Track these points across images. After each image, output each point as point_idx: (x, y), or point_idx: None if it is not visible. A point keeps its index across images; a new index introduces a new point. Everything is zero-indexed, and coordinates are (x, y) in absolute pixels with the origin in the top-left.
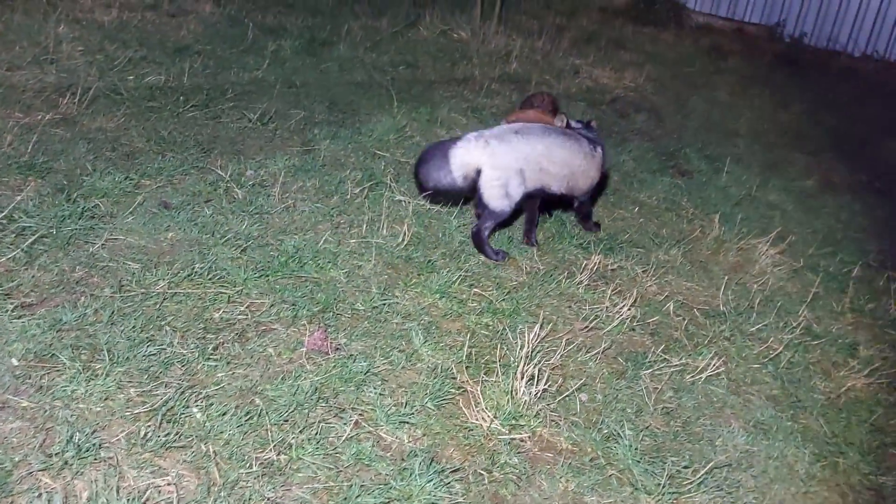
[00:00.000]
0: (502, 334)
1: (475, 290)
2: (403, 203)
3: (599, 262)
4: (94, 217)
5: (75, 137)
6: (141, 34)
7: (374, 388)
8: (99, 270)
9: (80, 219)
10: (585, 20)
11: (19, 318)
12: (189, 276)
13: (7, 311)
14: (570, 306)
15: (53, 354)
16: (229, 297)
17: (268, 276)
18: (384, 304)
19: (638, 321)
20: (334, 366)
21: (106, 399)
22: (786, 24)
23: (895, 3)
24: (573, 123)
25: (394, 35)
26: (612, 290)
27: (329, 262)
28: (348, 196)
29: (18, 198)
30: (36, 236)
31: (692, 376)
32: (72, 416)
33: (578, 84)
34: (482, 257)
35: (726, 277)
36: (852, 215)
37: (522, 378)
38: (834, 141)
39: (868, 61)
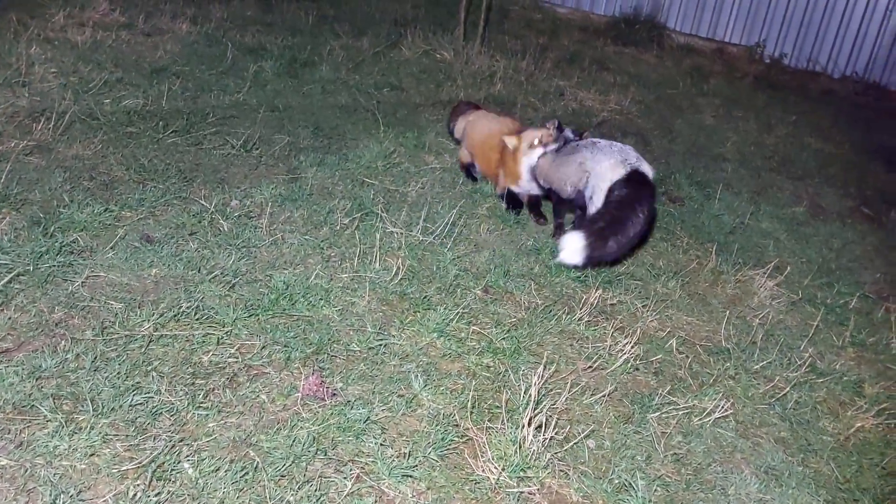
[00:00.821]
0: (504, 376)
1: (474, 327)
2: (395, 234)
3: (599, 297)
4: (72, 252)
5: (51, 166)
6: (116, 55)
7: (375, 438)
8: (79, 311)
9: (58, 254)
10: (567, 40)
11: None
12: (175, 316)
13: None
14: (571, 344)
15: (33, 405)
16: (218, 338)
17: (258, 314)
18: (380, 345)
19: (641, 360)
20: (331, 413)
21: (91, 455)
22: (766, 45)
23: (874, 24)
24: (568, 133)
25: (376, 55)
26: (614, 327)
27: (321, 298)
28: (338, 227)
29: None
30: (12, 274)
31: (700, 419)
32: (55, 474)
33: (564, 106)
34: (478, 292)
35: (726, 311)
36: (844, 243)
37: (529, 425)
38: (820, 165)
39: (848, 83)
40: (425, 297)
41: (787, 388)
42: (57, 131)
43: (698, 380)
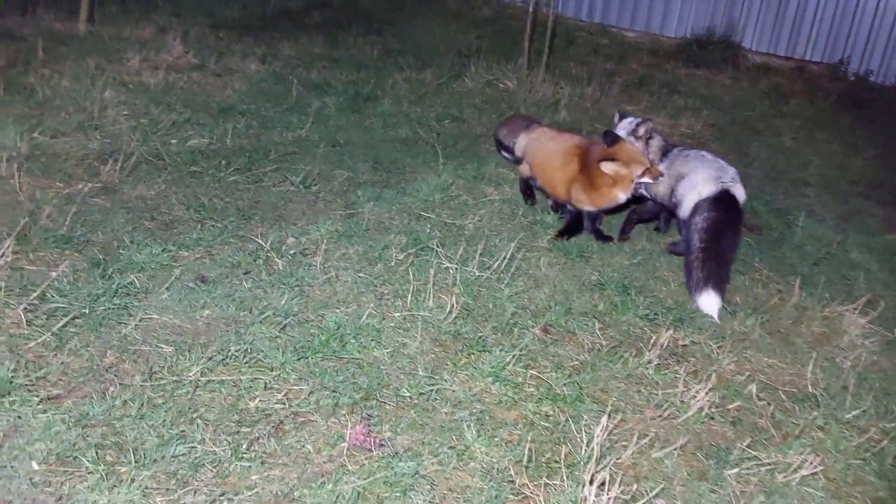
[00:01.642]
0: (564, 427)
1: (532, 371)
2: (451, 270)
3: (669, 337)
4: (128, 294)
5: (115, 207)
6: (186, 96)
7: (423, 495)
8: (130, 355)
9: (114, 296)
10: (635, 64)
11: (44, 412)
12: (224, 359)
13: (32, 404)
14: (639, 390)
15: (76, 456)
16: (266, 383)
17: (307, 357)
18: (432, 390)
19: (717, 407)
20: (378, 466)
21: None
22: (850, 62)
23: None
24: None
25: (439, 87)
26: (686, 371)
27: (372, 339)
28: (392, 263)
29: (54, 274)
30: (68, 318)
31: (784, 476)
32: None
33: None
34: (537, 332)
35: (812, 352)
36: None
37: (592, 483)
38: None
39: None
40: (480, 338)
41: (885, 441)
42: (123, 173)
43: (782, 430)
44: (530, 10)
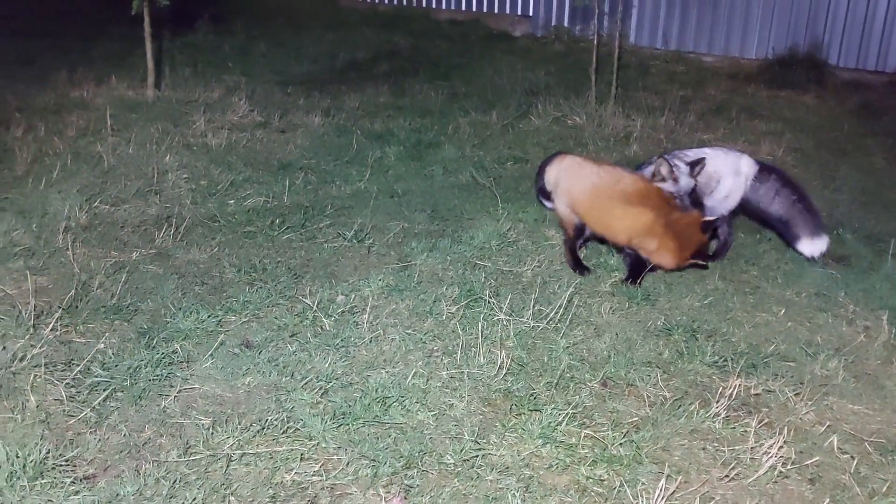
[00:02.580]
0: (619, 492)
1: (586, 430)
2: (503, 322)
3: (740, 385)
4: (171, 363)
5: (166, 273)
6: (248, 154)
7: None
8: (168, 428)
9: (157, 367)
10: (713, 90)
11: (77, 493)
12: (261, 430)
13: (65, 485)
14: (704, 447)
15: None
16: (303, 454)
17: (348, 423)
18: (477, 455)
19: (793, 463)
20: None
21: None
22: None
23: None
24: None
25: (504, 128)
26: (758, 423)
27: (417, 401)
28: (444, 317)
29: (100, 345)
30: (108, 391)
31: None
32: None
33: None
34: (595, 385)
35: None
36: None
37: None
38: None
39: None
40: (532, 395)
41: None
42: (177, 238)
43: (868, 488)
44: (594, 40)
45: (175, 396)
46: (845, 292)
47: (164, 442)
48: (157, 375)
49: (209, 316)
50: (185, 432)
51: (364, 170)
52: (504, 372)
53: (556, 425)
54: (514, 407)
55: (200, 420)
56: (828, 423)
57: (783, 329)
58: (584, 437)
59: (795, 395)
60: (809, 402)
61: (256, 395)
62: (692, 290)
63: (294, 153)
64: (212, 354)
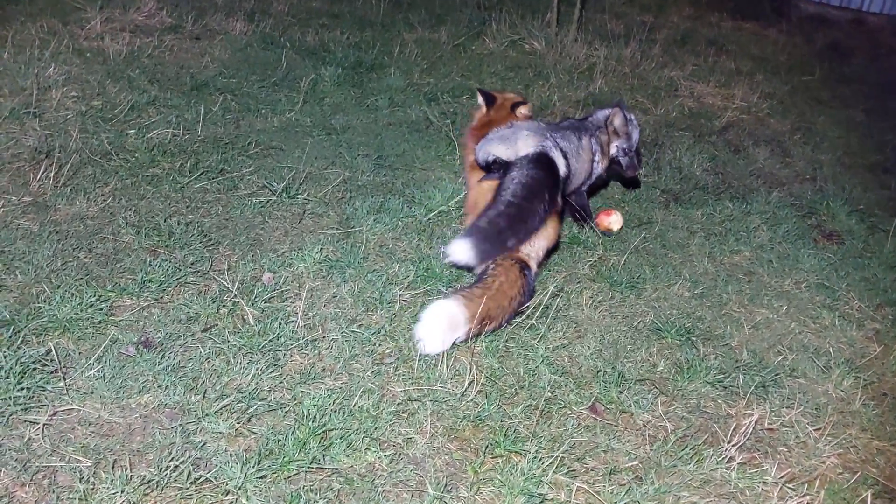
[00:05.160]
0: None
1: (578, 482)
2: None
3: (751, 415)
4: (44, 371)
5: (43, 232)
6: (154, 67)
7: None
8: (31, 475)
9: (22, 377)
10: (676, 16)
11: None
12: (160, 480)
13: None
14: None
15: None
16: None
17: (277, 470)
18: None
19: None
20: None
21: None
22: None
23: None
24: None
25: (455, 50)
26: (779, 469)
27: (365, 433)
28: (396, 306)
29: None
30: None
31: None
32: None
33: (679, 106)
34: (583, 412)
35: None
36: None
37: None
38: None
39: None
40: (510, 426)
41: None
42: (59, 181)
43: None
44: None
45: (46, 422)
46: (846, 283)
47: (26, 496)
48: (22, 390)
49: (97, 299)
50: (56, 481)
51: (295, 96)
52: (474, 392)
53: (542, 474)
54: (487, 443)
55: (78, 462)
56: (854, 468)
57: (787, 332)
58: (577, 491)
59: (815, 429)
60: (831, 439)
61: (156, 423)
62: (680, 274)
63: (211, 69)
64: (98, 358)
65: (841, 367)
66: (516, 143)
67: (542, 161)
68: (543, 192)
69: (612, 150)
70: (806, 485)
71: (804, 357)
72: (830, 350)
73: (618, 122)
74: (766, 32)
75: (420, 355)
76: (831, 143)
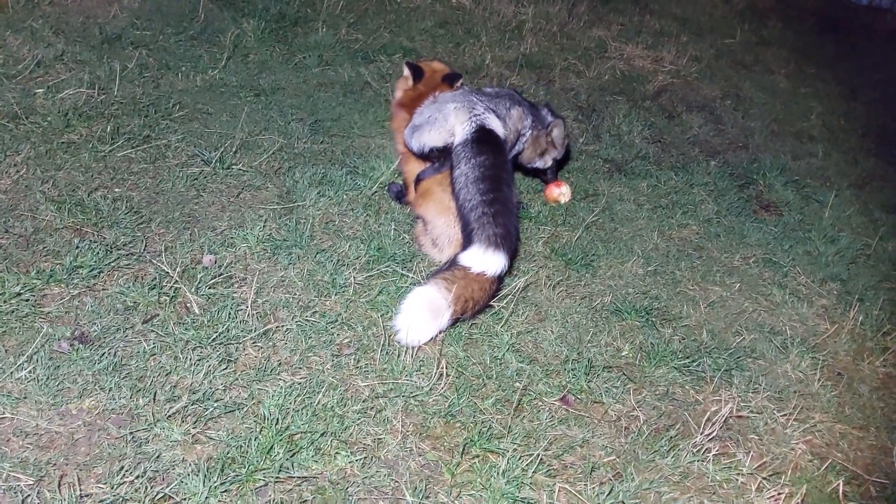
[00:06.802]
0: None
1: (560, 481)
2: None
3: (719, 402)
4: None
5: None
6: (58, 17)
7: None
8: None
9: None
10: None
11: None
12: (114, 500)
13: None
14: (701, 501)
15: None
16: None
17: (241, 483)
18: None
19: None
20: None
21: None
22: None
23: None
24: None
25: (380, 2)
26: (752, 458)
27: (332, 435)
28: (350, 290)
29: None
30: None
31: None
32: None
33: (611, 69)
34: (555, 403)
35: (881, 406)
36: None
37: None
38: None
39: None
40: (482, 422)
41: None
42: None
43: None
44: None
45: None
46: (791, 257)
47: None
48: None
49: (21, 288)
50: None
51: (217, 52)
52: (443, 384)
53: (522, 474)
54: (461, 441)
55: (17, 480)
56: (822, 456)
57: (742, 310)
58: (559, 492)
59: (782, 415)
60: (797, 425)
61: (102, 431)
62: (632, 250)
63: (121, 19)
64: (29, 357)
65: (797, 346)
66: (447, 121)
67: (482, 139)
68: (503, 173)
69: (545, 161)
70: (781, 475)
71: (761, 337)
72: (786, 329)
73: (556, 133)
74: None
75: (384, 346)
76: (759, 110)
